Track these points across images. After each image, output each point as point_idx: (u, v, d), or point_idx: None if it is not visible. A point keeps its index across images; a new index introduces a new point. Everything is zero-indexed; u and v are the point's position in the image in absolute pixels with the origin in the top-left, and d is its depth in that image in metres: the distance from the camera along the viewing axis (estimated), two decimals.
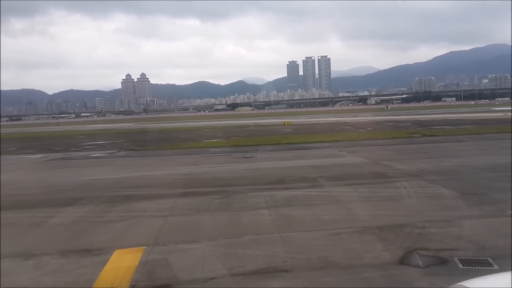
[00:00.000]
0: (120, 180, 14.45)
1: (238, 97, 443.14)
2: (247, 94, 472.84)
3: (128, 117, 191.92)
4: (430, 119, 51.34)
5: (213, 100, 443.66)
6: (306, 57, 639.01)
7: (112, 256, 6.83)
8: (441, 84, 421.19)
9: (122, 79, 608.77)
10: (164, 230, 8.21)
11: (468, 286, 2.44)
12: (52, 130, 72.71)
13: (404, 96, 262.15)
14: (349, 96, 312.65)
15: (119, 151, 26.34)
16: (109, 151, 26.64)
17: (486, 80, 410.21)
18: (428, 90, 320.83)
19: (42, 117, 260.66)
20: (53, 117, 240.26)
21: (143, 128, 63.38)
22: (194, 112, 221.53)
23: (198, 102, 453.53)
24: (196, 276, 5.94)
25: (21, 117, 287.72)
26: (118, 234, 8.11)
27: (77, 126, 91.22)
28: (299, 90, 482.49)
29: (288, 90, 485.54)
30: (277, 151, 22.13)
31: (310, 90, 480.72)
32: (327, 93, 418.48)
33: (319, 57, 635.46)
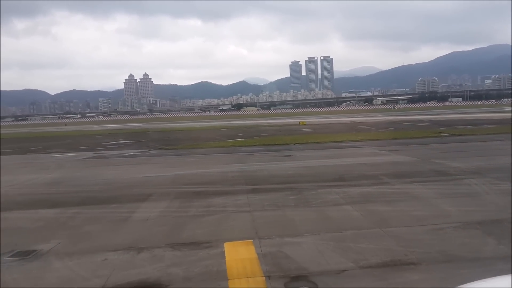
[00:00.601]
0: (176, 177, 14.53)
1: (241, 97, 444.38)
2: (250, 94, 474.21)
3: (134, 117, 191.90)
4: (446, 119, 51.32)
5: (215, 101, 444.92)
6: (309, 57, 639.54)
7: (225, 249, 6.93)
8: (444, 84, 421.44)
9: (125, 79, 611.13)
10: (258, 225, 8.28)
11: None
12: (63, 130, 72.97)
13: (410, 96, 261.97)
14: (354, 96, 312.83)
15: (149, 150, 26.42)
16: (139, 150, 26.70)
17: (489, 81, 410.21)
18: (432, 90, 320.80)
19: (48, 117, 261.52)
20: (59, 117, 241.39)
21: (156, 128, 63.47)
22: (200, 113, 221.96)
23: (201, 102, 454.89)
24: (324, 268, 6.00)
25: (26, 117, 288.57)
26: (215, 228, 8.19)
27: (86, 126, 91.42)
28: (302, 90, 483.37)
29: (291, 91, 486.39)
30: (313, 150, 22.18)
31: (313, 91, 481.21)
32: (330, 94, 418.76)
33: (322, 58, 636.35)
